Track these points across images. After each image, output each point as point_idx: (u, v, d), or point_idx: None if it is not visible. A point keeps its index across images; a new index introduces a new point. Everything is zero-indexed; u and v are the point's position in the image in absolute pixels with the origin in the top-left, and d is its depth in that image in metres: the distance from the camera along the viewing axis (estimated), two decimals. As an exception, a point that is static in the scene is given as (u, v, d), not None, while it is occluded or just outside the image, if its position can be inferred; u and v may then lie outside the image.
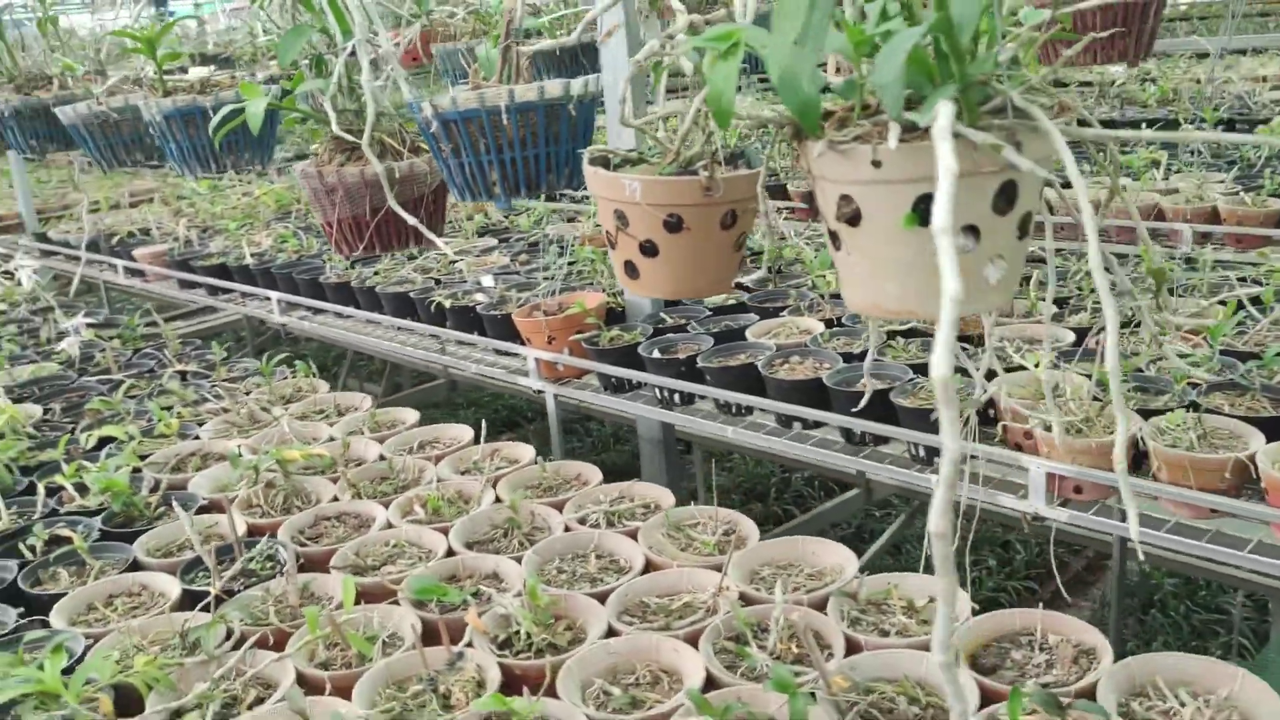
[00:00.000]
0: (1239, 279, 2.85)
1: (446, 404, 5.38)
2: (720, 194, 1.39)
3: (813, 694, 1.44)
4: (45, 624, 1.82)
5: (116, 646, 1.71)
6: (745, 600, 1.71)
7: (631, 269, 1.49)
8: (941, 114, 0.89)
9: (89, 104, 2.50)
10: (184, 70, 2.70)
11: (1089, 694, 1.40)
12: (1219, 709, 1.37)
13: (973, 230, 1.17)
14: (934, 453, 2.25)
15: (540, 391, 3.08)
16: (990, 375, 2.29)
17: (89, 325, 3.41)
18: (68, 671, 1.58)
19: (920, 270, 1.19)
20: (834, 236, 1.25)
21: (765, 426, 2.55)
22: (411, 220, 1.78)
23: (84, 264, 3.62)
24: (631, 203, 1.42)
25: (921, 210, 1.15)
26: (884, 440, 2.36)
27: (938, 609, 0.77)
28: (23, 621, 1.83)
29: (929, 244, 1.17)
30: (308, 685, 1.62)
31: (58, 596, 1.90)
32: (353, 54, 1.84)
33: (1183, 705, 1.37)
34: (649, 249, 1.45)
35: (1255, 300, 2.63)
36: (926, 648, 1.54)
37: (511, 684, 1.58)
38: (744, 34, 1.12)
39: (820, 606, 1.66)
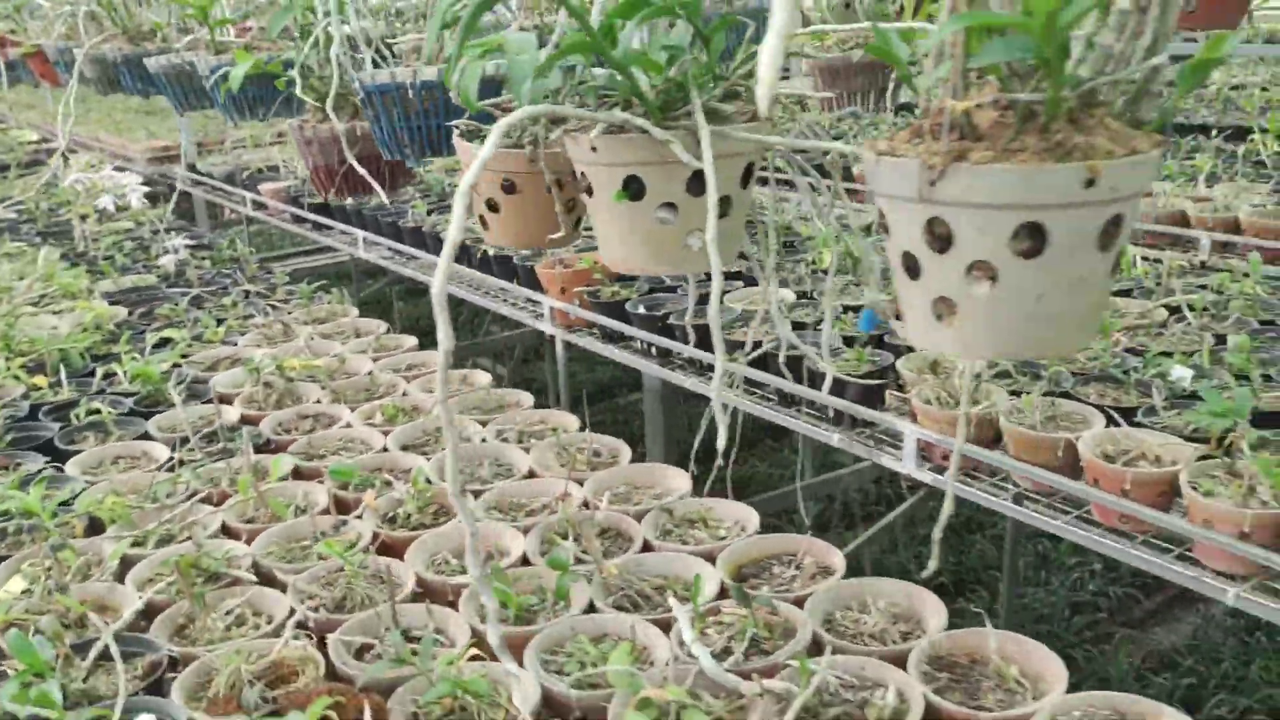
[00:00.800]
0: (1199, 285, 3.00)
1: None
2: (542, 164, 1.72)
3: (588, 578, 1.79)
4: (60, 470, 2.31)
5: (102, 491, 2.18)
6: (588, 507, 2.05)
7: (484, 222, 1.84)
8: (516, 113, 1.21)
9: (168, 56, 3.00)
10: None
11: (801, 601, 1.70)
12: (895, 619, 1.66)
13: (672, 206, 1.48)
14: (843, 417, 2.53)
15: (552, 336, 3.47)
16: (906, 350, 2.56)
17: (189, 246, 3.96)
18: (65, 505, 2.08)
19: (632, 236, 1.51)
20: (587, 206, 1.57)
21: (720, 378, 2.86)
22: (361, 171, 2.17)
23: (180, 186, 4.14)
24: (477, 168, 1.77)
25: (630, 188, 1.47)
26: (812, 403, 2.64)
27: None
28: (44, 467, 2.32)
29: (637, 216, 1.50)
30: (229, 533, 2.05)
31: (77, 452, 2.39)
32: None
33: (867, 613, 1.66)
34: (492, 206, 1.80)
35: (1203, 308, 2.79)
36: (701, 555, 1.86)
37: (385, 550, 1.98)
38: (501, 43, 1.45)
39: (642, 518, 1.99)
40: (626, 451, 2.27)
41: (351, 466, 2.16)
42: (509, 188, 1.76)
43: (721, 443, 1.43)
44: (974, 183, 1.02)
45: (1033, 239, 1.04)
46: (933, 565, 1.38)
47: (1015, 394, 2.33)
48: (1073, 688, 1.51)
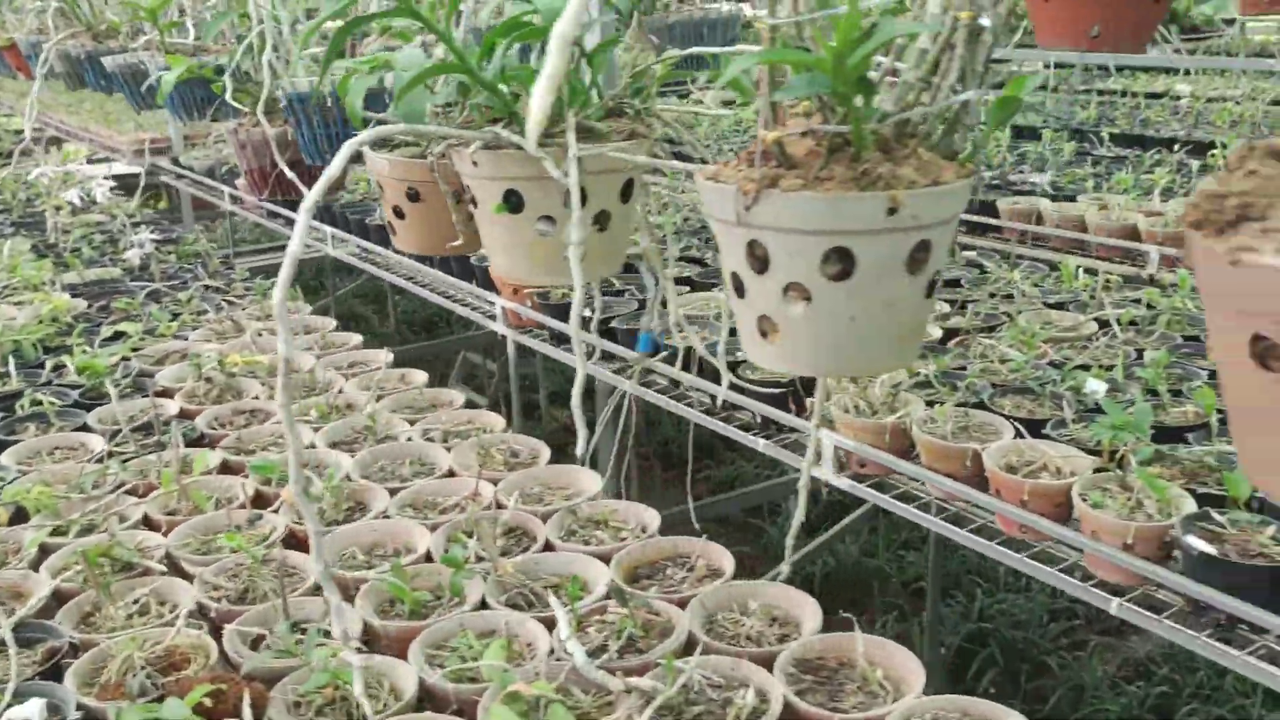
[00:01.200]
0: (1135, 300, 3.04)
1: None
2: (437, 176, 1.77)
3: (485, 575, 1.84)
4: (-5, 461, 2.37)
5: (32, 480, 2.23)
6: (499, 506, 2.11)
7: (391, 228, 1.90)
8: (364, 134, 1.26)
9: (124, 55, 3.07)
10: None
11: (685, 602, 1.75)
12: (774, 621, 1.71)
13: (551, 219, 1.53)
14: (771, 423, 2.58)
15: (503, 336, 3.53)
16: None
17: (157, 241, 4.01)
18: (-8, 494, 2.14)
19: (515, 248, 1.56)
20: (475, 218, 1.63)
21: (658, 384, 2.93)
22: (290, 175, 2.23)
23: (143, 179, 4.21)
24: (383, 175, 1.83)
25: (510, 201, 1.53)
26: (736, 407, 2.69)
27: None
28: (-23, 457, 2.38)
29: (518, 228, 1.56)
30: (151, 525, 2.11)
31: (16, 442, 2.44)
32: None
33: (748, 616, 1.71)
34: (398, 213, 1.86)
35: (1132, 322, 2.84)
36: (599, 556, 1.91)
37: (297, 544, 2.03)
38: (390, 59, 1.51)
39: (548, 518, 2.05)
40: (546, 452, 2.33)
41: (274, 462, 2.21)
42: (413, 196, 1.82)
43: (582, 447, 1.48)
44: (784, 209, 1.07)
45: (842, 263, 1.09)
46: (785, 569, 1.43)
47: (932, 404, 2.37)
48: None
